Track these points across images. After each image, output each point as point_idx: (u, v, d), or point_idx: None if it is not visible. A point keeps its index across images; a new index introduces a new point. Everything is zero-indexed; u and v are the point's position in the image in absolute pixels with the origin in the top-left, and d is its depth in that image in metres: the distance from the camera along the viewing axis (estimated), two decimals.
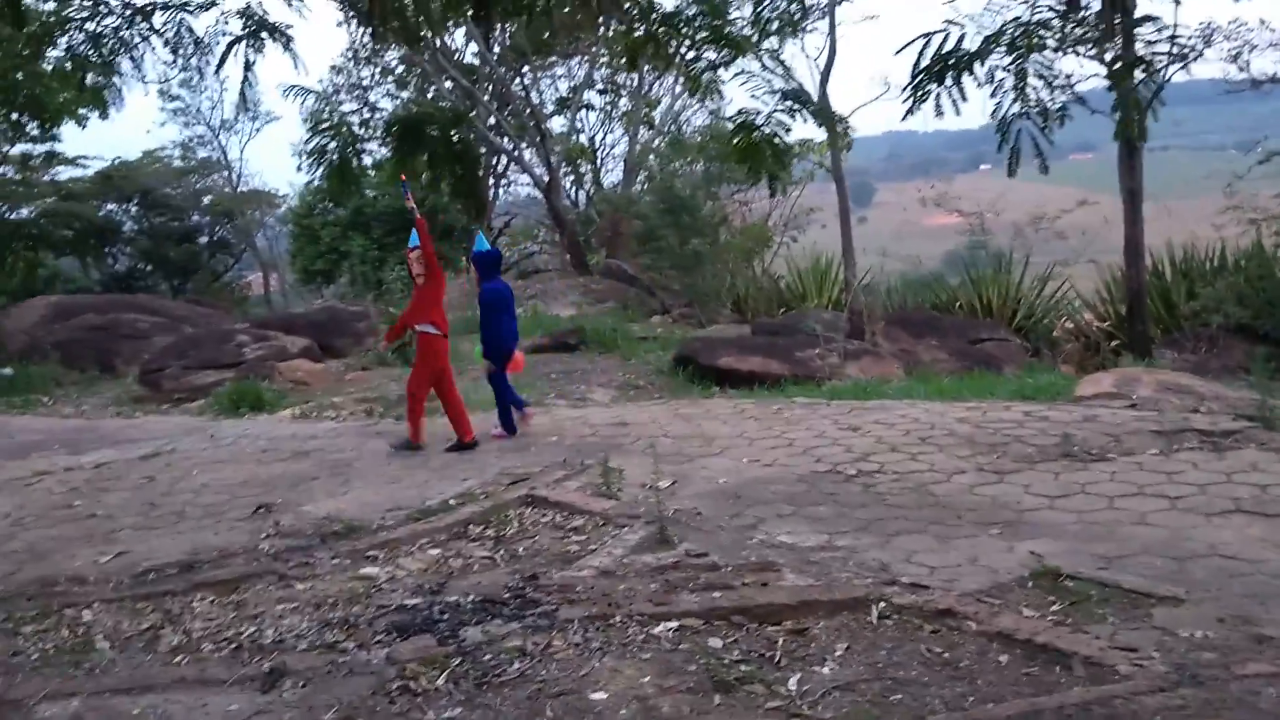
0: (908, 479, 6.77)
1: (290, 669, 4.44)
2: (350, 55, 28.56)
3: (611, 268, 23.58)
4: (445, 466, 8.00)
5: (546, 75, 30.44)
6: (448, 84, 26.28)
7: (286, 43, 3.25)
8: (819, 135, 12.23)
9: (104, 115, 18.89)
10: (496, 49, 26.18)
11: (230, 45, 3.19)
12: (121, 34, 3.07)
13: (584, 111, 30.20)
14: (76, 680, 4.58)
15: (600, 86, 30.32)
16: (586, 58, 28.18)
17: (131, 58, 3.08)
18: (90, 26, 3.05)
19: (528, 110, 26.48)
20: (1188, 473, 6.44)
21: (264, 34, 3.16)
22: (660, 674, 4.17)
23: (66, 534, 6.98)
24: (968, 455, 7.20)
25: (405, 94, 28.27)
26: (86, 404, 13.71)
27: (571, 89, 30.07)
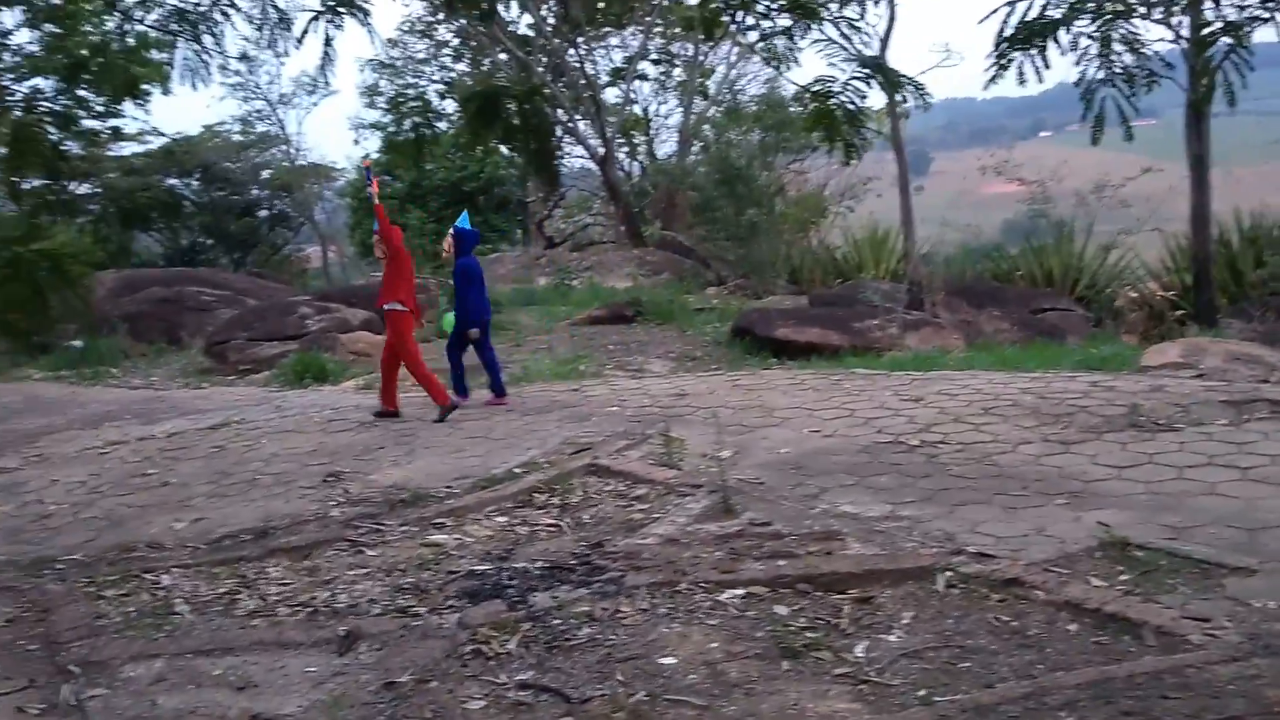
0: (972, 450, 6.74)
1: (365, 632, 4.55)
2: (408, 28, 28.64)
3: (666, 239, 23.56)
4: (508, 436, 8.09)
5: (601, 46, 30.37)
6: (502, 56, 26.33)
7: (364, 17, 3.31)
8: (878, 102, 12.12)
9: (166, 90, 19.23)
10: (551, 20, 26.14)
11: (311, 20, 3.25)
12: (203, 10, 3.15)
13: (638, 82, 30.09)
14: (159, 642, 4.71)
15: (654, 56, 30.18)
16: (640, 28, 28.05)
17: (213, 33, 3.16)
18: (173, 2, 3.14)
19: (582, 81, 26.44)
20: (1259, 443, 6.35)
21: (342, 9, 3.21)
22: (728, 640, 4.22)
23: (142, 501, 7.17)
24: (1032, 426, 7.15)
25: (460, 66, 28.33)
26: (155, 375, 14.01)
27: (626, 60, 29.97)
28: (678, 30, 28.11)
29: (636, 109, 30.40)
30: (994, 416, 7.44)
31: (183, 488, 7.40)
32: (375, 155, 29.37)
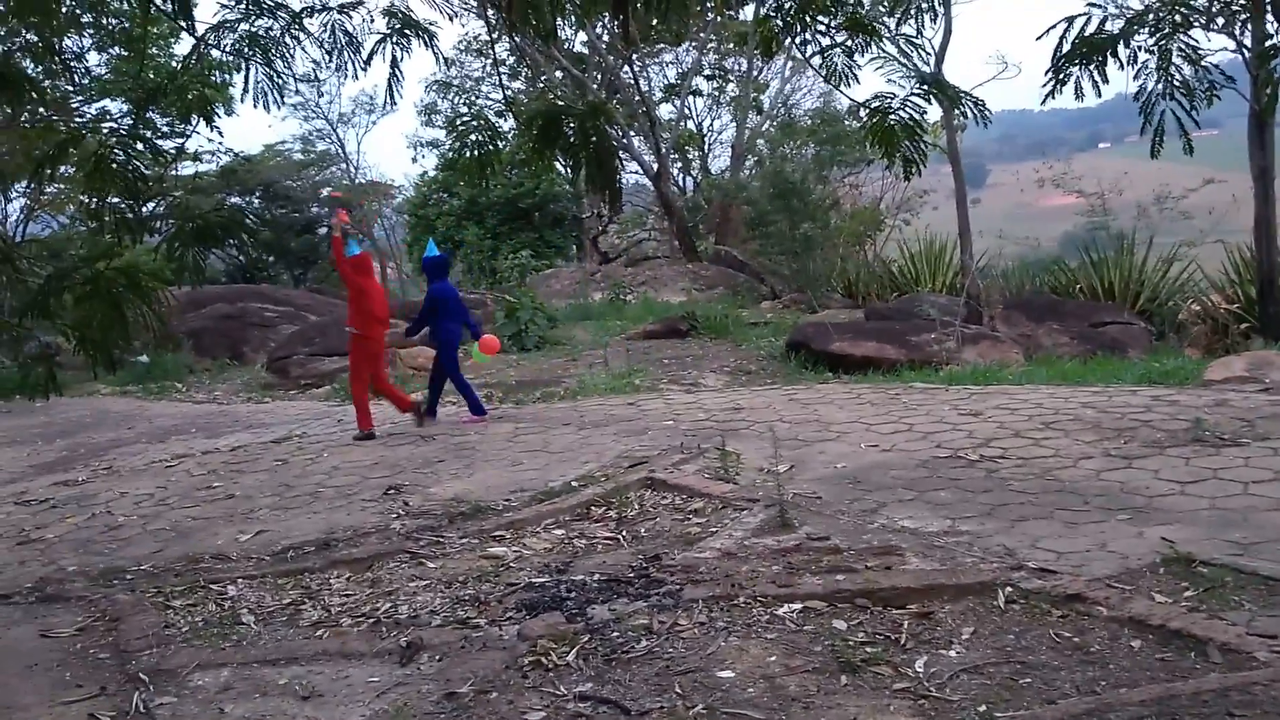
0: (1032, 464, 6.68)
1: (426, 643, 4.60)
2: (464, 47, 29.02)
3: (720, 254, 23.60)
4: (565, 450, 8.15)
5: (655, 62, 30.53)
6: (557, 74, 26.56)
7: (429, 40, 3.39)
8: (934, 115, 12.08)
9: (230, 112, 19.64)
10: (605, 37, 26.32)
11: (378, 43, 3.34)
12: (274, 35, 3.25)
13: (692, 98, 30.21)
14: (225, 651, 4.81)
15: (708, 72, 30.29)
16: (695, 44, 28.17)
17: (283, 57, 3.26)
18: (245, 27, 3.23)
19: (637, 98, 26.59)
20: None
21: (409, 32, 3.30)
22: (786, 654, 4.22)
23: (208, 513, 7.32)
24: (1094, 440, 7.06)
25: (516, 84, 28.62)
26: (218, 390, 14.28)
27: (680, 76, 30.11)
28: (731, 46, 28.21)
29: (690, 124, 30.54)
30: (1054, 431, 7.37)
31: (247, 500, 7.55)
32: (433, 173, 29.78)
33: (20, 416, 12.62)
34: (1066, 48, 2.93)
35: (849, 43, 3.11)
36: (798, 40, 3.09)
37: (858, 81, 3.28)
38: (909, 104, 3.17)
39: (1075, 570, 4.85)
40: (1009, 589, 4.67)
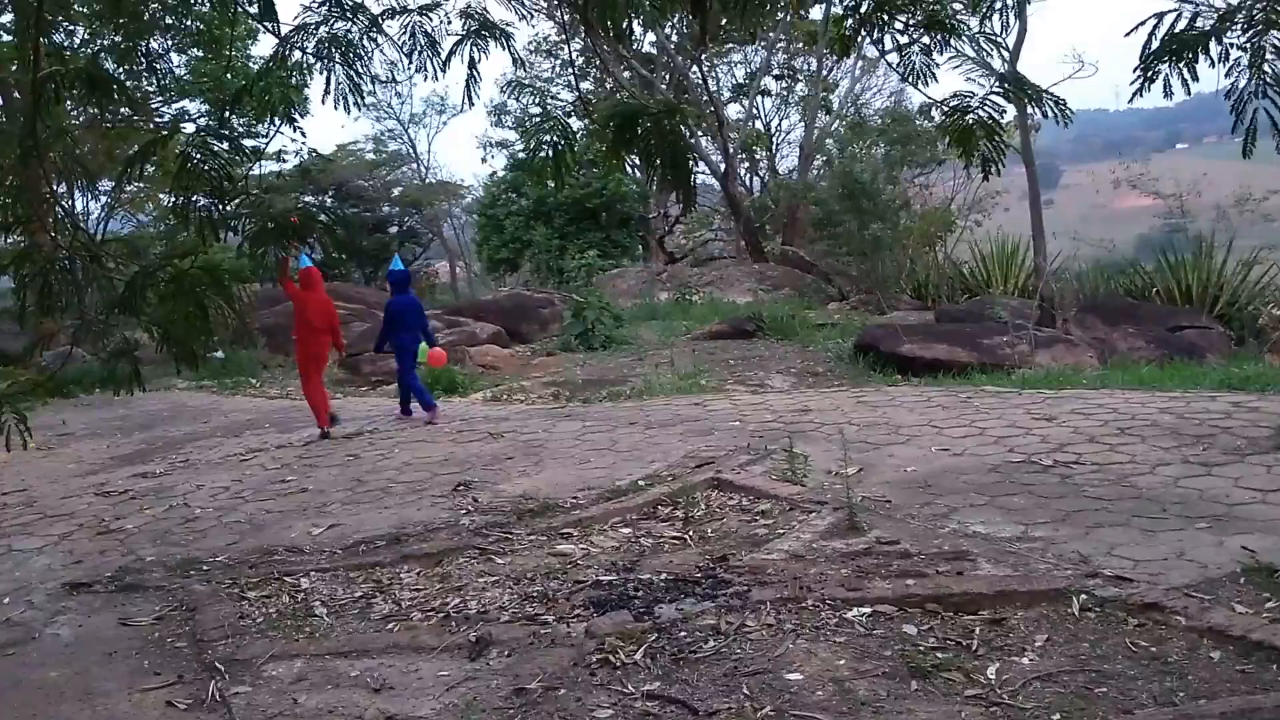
0: (1108, 470, 6.55)
1: (495, 639, 4.65)
2: (534, 48, 29.23)
3: (787, 254, 23.49)
4: (632, 449, 8.17)
5: (723, 62, 30.50)
6: (625, 74, 26.64)
7: (506, 41, 3.42)
8: (1007, 115, 11.89)
9: (305, 113, 19.94)
10: (674, 38, 26.35)
11: (455, 45, 3.37)
12: (351, 38, 3.30)
13: (760, 97, 30.12)
14: (299, 643, 4.89)
15: (777, 72, 30.18)
16: (763, 43, 28.08)
17: (362, 59, 3.31)
18: (324, 31, 3.29)
19: (705, 98, 26.57)
20: None
21: (485, 33, 3.33)
22: (855, 658, 4.19)
23: (281, 507, 7.46)
24: (1172, 447, 6.91)
25: (585, 85, 28.77)
26: (291, 386, 14.52)
27: (748, 75, 30.04)
28: (801, 45, 28.08)
29: (758, 124, 30.45)
30: (1131, 437, 7.22)
31: (320, 494, 7.67)
32: (501, 173, 30.05)
33: (100, 410, 12.96)
34: (1155, 44, 2.86)
35: (927, 41, 3.08)
36: (874, 39, 3.07)
37: (936, 80, 3.25)
38: (988, 103, 3.12)
39: (1152, 579, 4.75)
40: (1084, 596, 4.59)
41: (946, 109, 3.14)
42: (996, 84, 3.16)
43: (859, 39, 3.29)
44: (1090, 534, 5.48)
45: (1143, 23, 2.85)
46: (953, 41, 3.10)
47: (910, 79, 3.16)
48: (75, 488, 8.71)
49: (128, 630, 5.28)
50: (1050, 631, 4.34)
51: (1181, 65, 2.87)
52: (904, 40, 3.09)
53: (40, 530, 7.40)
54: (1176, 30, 2.81)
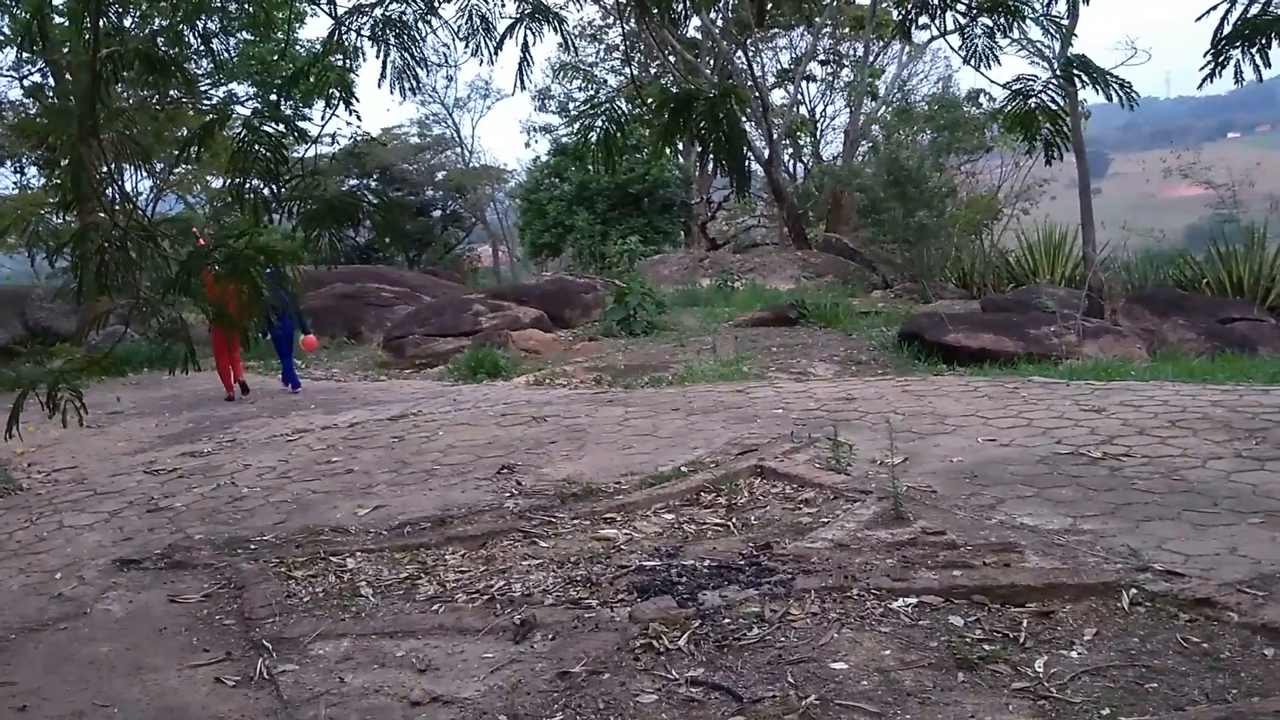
0: (1158, 463, 6.46)
1: (539, 622, 4.66)
2: (578, 33, 29.21)
3: (831, 241, 23.35)
4: (674, 435, 8.16)
5: (768, 48, 30.32)
6: (670, 59, 26.55)
7: (558, 24, 3.41)
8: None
9: (352, 97, 20.04)
10: (719, 22, 26.22)
11: (509, 28, 3.37)
12: (407, 19, 3.30)
13: (805, 83, 29.92)
14: (345, 623, 4.93)
15: (822, 57, 29.96)
16: (809, 29, 27.88)
17: (417, 42, 3.32)
18: (379, 13, 3.30)
19: (749, 83, 26.43)
20: None
21: (539, 16, 3.32)
22: (901, 648, 4.16)
23: (327, 487, 7.52)
24: (1224, 440, 6.80)
25: (630, 70, 28.74)
26: (336, 367, 14.67)
27: (793, 61, 29.84)
28: (847, 30, 27.85)
29: (803, 110, 30.26)
30: (1181, 430, 7.11)
31: (365, 475, 7.73)
32: (544, 158, 30.09)
33: (149, 389, 13.15)
34: (1228, 29, 2.80)
35: (990, 23, 3.03)
36: (935, 20, 3.03)
37: (998, 63, 3.20)
38: (1051, 86, 3.07)
39: (1204, 574, 4.68)
40: (1133, 590, 4.52)
41: (1010, 92, 3.09)
42: (1060, 67, 3.10)
43: (918, 20, 3.25)
44: (1140, 527, 5.40)
45: (1214, 7, 2.79)
46: (1018, 24, 3.05)
47: (972, 62, 3.12)
48: (125, 465, 8.84)
49: (176, 607, 5.35)
50: (1099, 625, 4.29)
51: (1254, 51, 2.81)
52: (965, 22, 3.05)
53: (91, 507, 7.52)
54: (1250, 14, 2.75)
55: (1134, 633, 4.20)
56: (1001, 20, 2.99)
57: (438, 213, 33.72)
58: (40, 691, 4.43)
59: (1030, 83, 3.04)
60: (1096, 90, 2.96)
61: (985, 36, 3.06)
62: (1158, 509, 5.66)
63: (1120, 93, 2.92)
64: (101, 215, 4.03)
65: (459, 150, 35.14)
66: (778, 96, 30.01)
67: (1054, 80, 3.08)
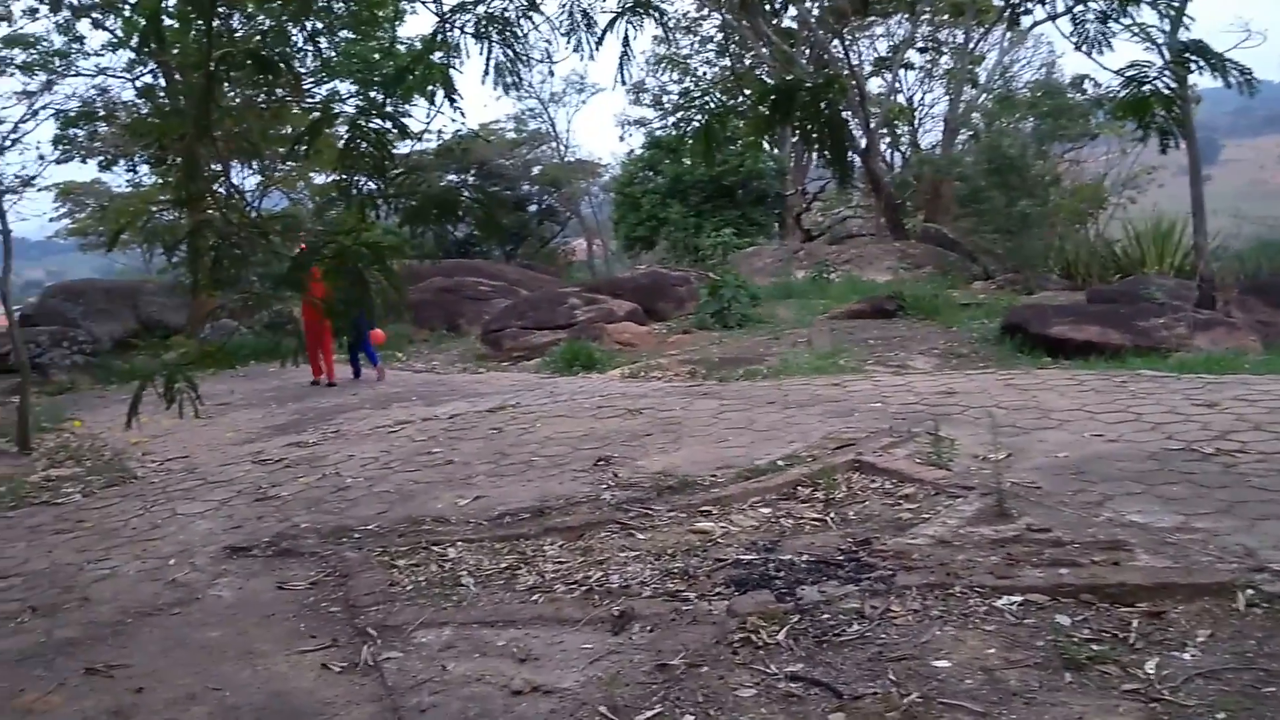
0: (1274, 460, 6.21)
1: (637, 613, 4.67)
2: (673, 24, 29.19)
3: (930, 232, 22.97)
4: (770, 428, 8.12)
5: (865, 36, 29.93)
6: (764, 50, 26.37)
7: (660, 17, 3.41)
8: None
9: (455, 93, 20.33)
10: (815, 11, 25.96)
11: (610, 22, 3.38)
12: (509, 16, 3.34)
13: (903, 71, 29.48)
14: (447, 611, 5.00)
15: (921, 45, 29.47)
16: (907, 16, 27.45)
17: (519, 38, 3.35)
18: (482, 10, 3.34)
19: (846, 72, 26.13)
20: None
21: (640, 9, 3.33)
22: (1005, 647, 4.08)
23: (428, 478, 7.65)
24: None
25: (724, 62, 28.63)
26: (436, 360, 14.92)
27: (891, 48, 29.41)
28: (946, 17, 27.35)
29: (900, 98, 29.81)
30: None
31: (464, 466, 7.84)
32: (639, 151, 30.16)
33: (255, 381, 13.54)
34: None
35: (1102, 6, 2.94)
36: (1045, 5, 2.96)
37: (1111, 49, 3.11)
38: (1167, 72, 2.97)
39: None
40: (1250, 591, 4.36)
41: (1124, 78, 3.00)
42: (1175, 52, 3.00)
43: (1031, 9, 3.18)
44: (1256, 526, 5.21)
45: None
46: (1133, 8, 2.96)
47: (1083, 47, 3.03)
48: (233, 455, 9.12)
49: (284, 594, 5.49)
50: (1213, 626, 4.15)
51: None
52: (1076, 7, 2.97)
53: (202, 495, 7.77)
54: None
55: (1250, 635, 4.06)
56: (1115, 3, 2.91)
57: (533, 207, 34.04)
58: (156, 674, 4.59)
59: (1145, 69, 2.95)
60: (1214, 76, 2.85)
61: (1097, 21, 2.98)
62: (1275, 507, 5.45)
63: (1239, 78, 2.81)
64: (213, 212, 4.15)
65: (554, 145, 35.45)
66: (875, 85, 29.62)
67: (1169, 66, 2.98)
